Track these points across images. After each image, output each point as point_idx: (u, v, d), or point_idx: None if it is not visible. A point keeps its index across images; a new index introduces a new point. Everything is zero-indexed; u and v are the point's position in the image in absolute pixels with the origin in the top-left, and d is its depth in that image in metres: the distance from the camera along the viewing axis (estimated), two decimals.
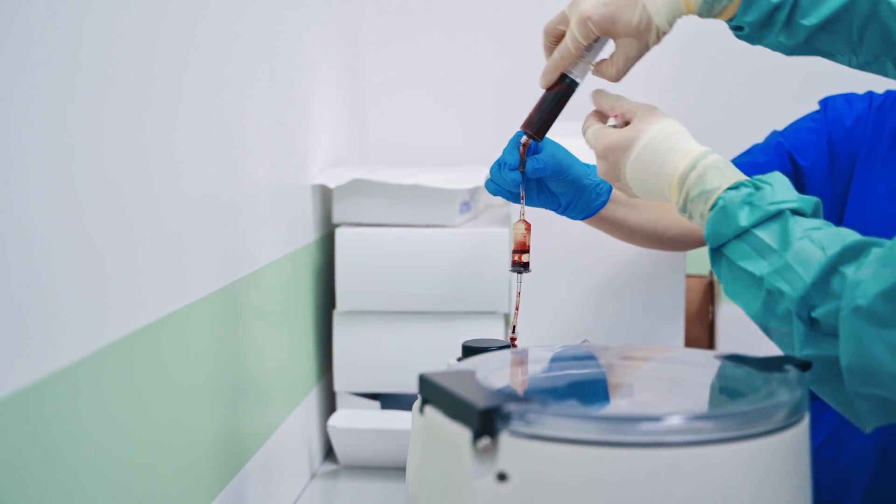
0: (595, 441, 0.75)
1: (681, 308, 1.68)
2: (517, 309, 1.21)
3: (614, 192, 1.30)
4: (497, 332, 1.74)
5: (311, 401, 1.70)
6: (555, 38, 1.16)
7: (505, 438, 0.77)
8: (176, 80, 1.09)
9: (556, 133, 1.23)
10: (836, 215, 1.37)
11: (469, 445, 0.78)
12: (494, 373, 0.94)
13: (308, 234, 1.69)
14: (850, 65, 1.13)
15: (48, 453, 0.83)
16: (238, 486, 1.28)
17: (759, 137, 1.48)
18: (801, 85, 1.70)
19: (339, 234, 1.75)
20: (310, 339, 1.70)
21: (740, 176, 0.98)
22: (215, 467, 1.21)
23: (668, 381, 0.94)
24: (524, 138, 1.19)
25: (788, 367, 0.89)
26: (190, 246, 1.14)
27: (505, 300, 1.74)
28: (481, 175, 1.80)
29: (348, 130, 2.07)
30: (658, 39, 1.12)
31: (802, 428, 0.81)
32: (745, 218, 0.94)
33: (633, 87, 2.08)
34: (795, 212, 0.93)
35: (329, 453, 1.80)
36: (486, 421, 0.77)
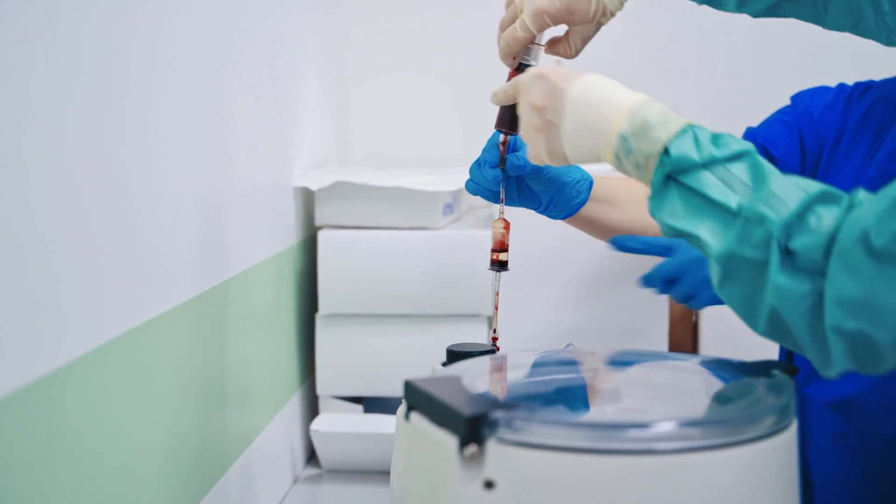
0: (583, 448, 0.75)
1: (664, 309, 1.68)
2: (496, 308, 1.21)
3: (594, 190, 1.30)
4: (480, 335, 1.74)
5: (294, 404, 1.69)
6: None
7: (492, 446, 0.77)
8: (159, 82, 1.08)
9: None
10: None
11: (456, 453, 0.77)
12: (480, 378, 0.93)
13: (290, 237, 1.68)
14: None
15: (30, 459, 0.82)
16: (221, 491, 1.27)
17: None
18: (800, 77, 1.70)
19: (322, 236, 1.74)
20: (292, 342, 1.69)
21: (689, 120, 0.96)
22: (198, 472, 1.20)
23: (655, 387, 0.93)
24: (502, 136, 1.20)
25: (775, 371, 0.89)
26: (173, 249, 1.13)
27: (488, 303, 1.74)
28: (464, 177, 1.78)
29: (330, 132, 2.06)
30: (611, 18, 1.13)
31: (791, 433, 0.81)
32: (715, 150, 0.90)
33: (633, 77, 2.08)
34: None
35: (311, 457, 1.79)
36: (472, 428, 0.77)
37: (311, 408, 1.81)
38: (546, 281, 1.63)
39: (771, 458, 0.78)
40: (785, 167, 1.38)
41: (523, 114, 1.05)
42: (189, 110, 1.18)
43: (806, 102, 1.44)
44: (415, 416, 0.85)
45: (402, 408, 1.15)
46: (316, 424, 1.68)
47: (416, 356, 1.73)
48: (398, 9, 2.27)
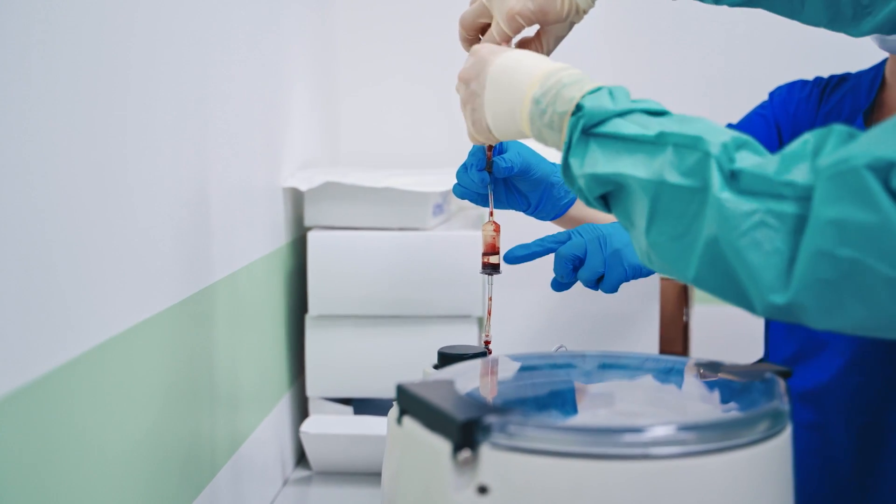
0: (578, 454, 0.74)
1: (655, 311, 1.68)
2: (489, 313, 1.21)
3: None
4: (471, 336, 1.73)
5: (283, 406, 1.68)
6: (474, 31, 1.16)
7: (485, 451, 0.76)
8: (144, 84, 1.07)
9: None
10: None
11: (449, 458, 0.77)
12: (473, 382, 0.93)
13: (279, 238, 1.67)
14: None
15: (14, 466, 0.81)
16: (210, 494, 1.26)
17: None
18: (803, 65, 1.70)
19: (311, 237, 1.73)
20: (282, 343, 1.68)
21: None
22: (187, 476, 1.19)
23: (649, 390, 0.93)
24: None
25: (769, 374, 0.88)
26: (161, 252, 1.12)
27: (478, 304, 1.73)
28: (453, 177, 1.78)
29: (319, 132, 2.05)
30: (583, 16, 1.12)
31: (786, 437, 0.80)
32: (633, 104, 0.87)
33: (631, 69, 2.06)
34: None
35: (301, 459, 1.78)
36: (466, 433, 0.76)
37: (301, 409, 1.80)
38: (535, 282, 1.63)
39: (767, 462, 0.78)
40: None
41: (457, 88, 1.07)
42: (176, 111, 1.17)
43: (783, 97, 1.47)
44: (407, 420, 0.84)
45: (394, 411, 1.14)
46: (306, 426, 1.67)
47: (407, 357, 1.72)
48: (386, 13, 2.26)
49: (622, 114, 0.86)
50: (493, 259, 1.22)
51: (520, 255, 1.24)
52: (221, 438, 1.33)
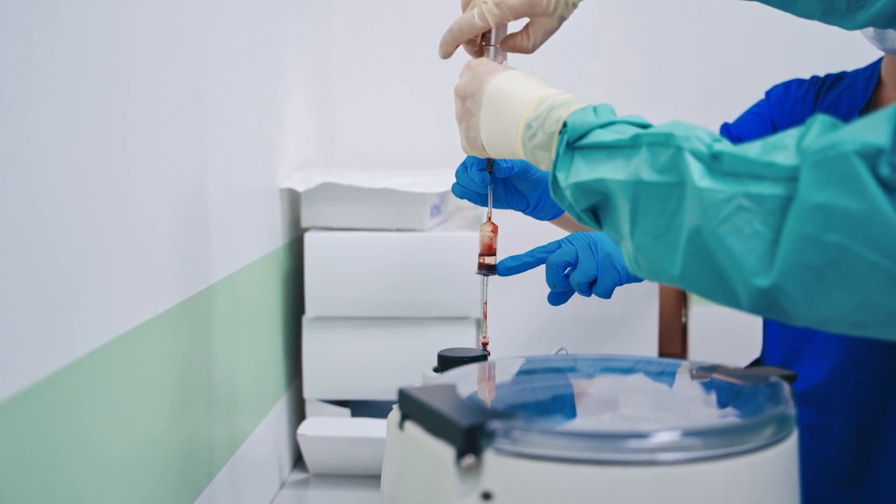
0: (583, 459, 0.73)
1: (654, 312, 1.68)
2: (485, 313, 1.20)
3: None
4: (469, 338, 1.72)
5: (280, 408, 1.68)
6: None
7: (489, 457, 0.75)
8: (147, 85, 1.06)
9: None
10: None
11: (452, 464, 0.76)
12: (475, 386, 0.92)
13: (276, 239, 1.66)
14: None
15: (18, 466, 0.80)
16: (209, 497, 1.26)
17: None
18: (800, 64, 1.70)
19: (308, 238, 1.72)
20: (278, 345, 1.68)
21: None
22: (185, 479, 1.18)
23: (653, 394, 0.92)
24: None
25: (774, 378, 0.87)
26: (159, 254, 1.11)
27: (476, 305, 1.72)
28: (450, 178, 1.77)
29: (315, 133, 2.04)
30: (573, 10, 1.11)
31: (792, 442, 0.79)
32: (615, 117, 0.89)
33: (628, 68, 2.08)
34: None
35: (298, 461, 1.77)
36: (470, 439, 0.75)
37: (298, 411, 1.79)
38: (532, 283, 1.62)
39: (774, 468, 0.77)
40: None
41: (455, 102, 1.08)
42: (174, 113, 1.16)
43: (779, 96, 1.46)
44: (409, 425, 0.83)
45: (394, 414, 1.13)
46: (303, 428, 1.66)
47: (404, 359, 1.72)
48: (381, 16, 2.25)
49: (604, 125, 0.88)
50: (489, 260, 1.22)
51: (511, 266, 1.24)
52: (220, 440, 1.32)
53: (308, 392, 1.74)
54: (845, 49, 1.59)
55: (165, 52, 1.12)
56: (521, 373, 0.99)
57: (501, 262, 1.23)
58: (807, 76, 1.48)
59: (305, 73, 1.95)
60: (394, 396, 1.73)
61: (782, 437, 0.78)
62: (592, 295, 1.22)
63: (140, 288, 1.05)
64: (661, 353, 1.82)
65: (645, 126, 0.87)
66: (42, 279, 0.84)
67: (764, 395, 0.84)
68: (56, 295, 0.86)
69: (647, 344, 1.67)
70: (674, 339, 1.91)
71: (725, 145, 0.79)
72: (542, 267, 1.22)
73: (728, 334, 1.88)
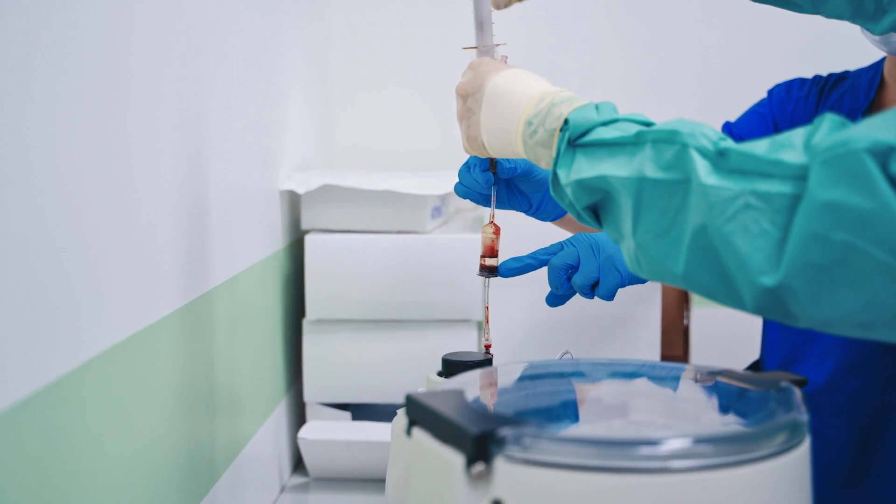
0: (595, 467, 0.72)
1: (656, 314, 1.67)
2: (487, 315, 1.19)
3: None
4: (470, 341, 1.71)
5: (281, 412, 1.67)
6: None
7: (500, 464, 0.74)
8: (147, 87, 1.05)
9: None
10: None
11: (462, 471, 0.75)
12: (483, 392, 0.91)
13: (276, 242, 1.65)
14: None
15: (21, 472, 0.79)
16: (210, 502, 1.25)
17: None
18: (800, 63, 1.69)
19: (309, 240, 1.71)
20: (279, 348, 1.67)
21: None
22: (187, 485, 1.17)
23: (663, 400, 0.91)
24: None
25: (784, 383, 0.87)
26: (161, 258, 1.10)
27: (478, 308, 1.71)
28: (450, 180, 1.77)
29: (315, 135, 2.03)
30: None
31: (805, 448, 0.79)
32: (618, 115, 0.88)
33: (628, 67, 2.07)
34: None
35: (298, 465, 1.76)
36: (480, 446, 0.74)
37: (298, 415, 1.78)
38: (533, 285, 1.61)
39: (787, 475, 0.76)
40: None
41: (456, 101, 1.08)
42: (174, 115, 1.15)
43: (781, 95, 1.45)
44: (417, 431, 0.82)
45: (400, 420, 1.12)
46: (304, 432, 1.65)
47: (406, 362, 1.71)
48: (381, 18, 2.25)
49: (606, 123, 0.87)
50: (490, 262, 1.21)
51: (513, 268, 1.23)
52: (221, 444, 1.31)
53: (308, 395, 1.73)
54: (845, 48, 1.58)
55: (165, 55, 1.11)
56: (528, 378, 0.98)
57: (503, 263, 1.22)
58: (807, 74, 1.47)
59: (305, 74, 1.94)
60: (395, 399, 1.72)
61: (795, 443, 0.78)
62: (595, 297, 1.21)
63: (142, 292, 1.04)
64: (663, 356, 1.81)
65: (647, 124, 0.87)
66: (45, 285, 0.83)
67: (775, 400, 0.83)
68: (59, 301, 0.85)
69: (648, 346, 1.66)
70: (675, 342, 1.90)
71: (731, 143, 0.79)
72: (544, 268, 1.22)
73: (729, 336, 1.87)
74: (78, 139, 0.88)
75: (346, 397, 1.74)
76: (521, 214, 1.30)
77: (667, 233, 0.79)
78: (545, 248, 1.24)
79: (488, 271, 1.21)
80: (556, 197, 0.90)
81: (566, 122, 0.90)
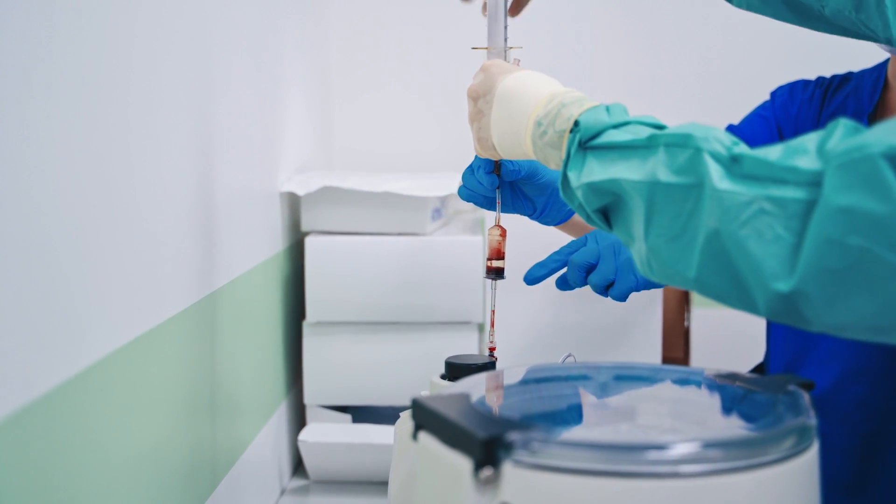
0: (605, 471, 0.72)
1: (657, 316, 1.66)
2: (493, 318, 1.19)
3: None
4: (471, 343, 1.71)
5: (281, 414, 1.66)
6: None
7: (508, 469, 0.74)
8: (148, 90, 1.05)
9: None
10: None
11: (470, 476, 0.74)
12: (489, 396, 0.90)
13: (277, 244, 1.65)
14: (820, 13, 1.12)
15: (19, 480, 0.78)
16: None
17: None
18: (801, 64, 1.69)
19: (309, 242, 1.70)
20: (279, 351, 1.66)
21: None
22: (191, 487, 1.17)
23: (670, 403, 0.90)
24: None
25: (793, 387, 0.86)
26: (162, 261, 1.09)
27: (479, 310, 1.71)
28: (449, 181, 1.76)
29: (314, 137, 2.03)
30: None
31: (814, 452, 0.78)
32: (629, 117, 0.88)
33: (629, 69, 2.07)
34: None
35: (298, 467, 1.76)
36: (488, 451, 0.74)
37: (298, 417, 1.78)
38: (535, 289, 1.61)
39: (796, 479, 0.76)
40: None
41: (467, 103, 1.08)
42: (175, 117, 1.14)
43: (784, 98, 1.44)
44: (423, 435, 0.82)
45: (403, 423, 1.12)
46: (304, 435, 1.65)
47: (406, 365, 1.70)
48: (380, 20, 2.24)
49: (617, 125, 0.87)
50: (497, 264, 1.20)
51: (540, 276, 1.23)
52: (223, 448, 1.30)
53: (308, 398, 1.73)
54: (847, 49, 1.57)
55: (166, 60, 1.11)
56: (533, 381, 0.97)
57: (529, 271, 1.22)
58: (810, 75, 1.47)
59: (304, 76, 1.93)
60: (395, 402, 1.72)
61: (804, 447, 0.77)
62: (608, 297, 1.21)
63: (144, 296, 1.03)
64: (664, 358, 1.81)
65: (659, 127, 0.86)
66: (47, 290, 0.82)
67: (783, 404, 0.82)
68: (60, 306, 0.85)
69: (650, 349, 1.66)
70: (676, 344, 1.90)
71: (744, 148, 0.78)
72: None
73: (730, 338, 1.87)
74: (78, 141, 0.88)
75: (347, 400, 1.73)
76: (526, 218, 1.29)
77: (679, 237, 0.79)
78: (567, 246, 1.25)
79: (495, 273, 1.20)
80: (565, 199, 0.90)
81: (577, 123, 0.90)
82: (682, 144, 0.80)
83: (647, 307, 1.64)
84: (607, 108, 0.89)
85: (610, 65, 2.15)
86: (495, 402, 0.89)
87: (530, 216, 1.28)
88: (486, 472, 0.74)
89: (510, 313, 1.67)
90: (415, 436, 0.83)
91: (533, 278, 1.23)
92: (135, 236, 1.01)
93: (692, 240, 0.78)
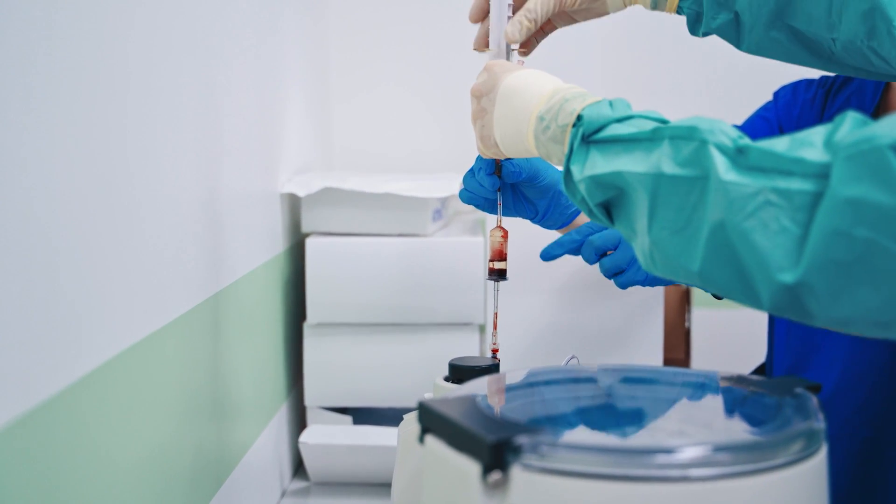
0: (615, 475, 0.71)
1: (659, 316, 1.66)
2: (496, 321, 1.18)
3: None
4: (472, 344, 1.70)
5: (281, 416, 1.65)
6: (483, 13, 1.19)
7: (516, 473, 0.73)
8: (147, 91, 1.04)
9: None
10: None
11: (478, 480, 0.74)
12: (492, 398, 0.90)
13: (277, 245, 1.64)
14: (829, 51, 1.12)
15: (21, 487, 0.78)
16: None
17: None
18: (800, 68, 1.69)
19: (310, 243, 1.70)
20: (280, 352, 1.65)
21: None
22: (190, 494, 1.16)
23: (679, 406, 0.90)
24: None
25: (800, 390, 0.86)
26: (163, 264, 1.08)
27: (480, 311, 1.70)
28: (453, 182, 1.76)
29: (313, 138, 2.02)
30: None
31: (822, 456, 0.78)
32: (632, 111, 0.88)
33: (631, 69, 2.06)
34: None
35: (298, 469, 1.75)
36: (496, 454, 0.73)
37: (299, 419, 1.77)
38: (536, 289, 1.60)
39: (804, 483, 0.76)
40: None
41: (471, 102, 1.08)
42: (174, 118, 1.14)
43: (787, 98, 1.44)
44: (430, 439, 0.81)
45: (407, 425, 1.11)
46: (305, 436, 1.64)
47: (407, 366, 1.70)
48: (378, 20, 2.24)
49: (620, 119, 0.87)
50: (499, 265, 1.20)
51: (556, 255, 1.28)
52: (224, 450, 1.30)
53: (309, 399, 1.72)
54: None
55: (164, 61, 1.10)
56: (539, 384, 0.97)
57: (546, 250, 1.26)
58: (811, 75, 1.47)
59: (303, 76, 1.93)
60: (396, 403, 1.71)
61: (813, 451, 0.77)
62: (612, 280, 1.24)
63: (144, 300, 1.03)
64: (665, 359, 1.80)
65: (663, 121, 0.86)
66: (46, 295, 0.82)
67: (791, 407, 0.82)
68: (60, 311, 0.84)
69: (651, 349, 1.65)
70: (677, 345, 1.89)
71: (750, 140, 0.78)
72: (546, 268, 1.21)
73: (731, 339, 1.87)
74: (77, 144, 0.87)
75: (347, 401, 1.73)
76: (528, 222, 1.29)
77: (683, 230, 0.79)
78: (587, 225, 1.27)
79: (497, 275, 1.20)
80: (567, 193, 0.90)
81: (579, 118, 0.89)
82: (688, 137, 0.79)
83: (649, 308, 1.63)
84: (610, 103, 0.89)
85: (611, 65, 2.15)
86: (502, 405, 0.89)
87: (532, 220, 1.28)
88: (495, 475, 0.74)
89: (511, 315, 1.66)
90: (421, 439, 0.83)
91: (550, 256, 1.24)
92: (135, 240, 1.00)
93: (696, 232, 0.78)
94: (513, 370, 0.98)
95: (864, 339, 1.20)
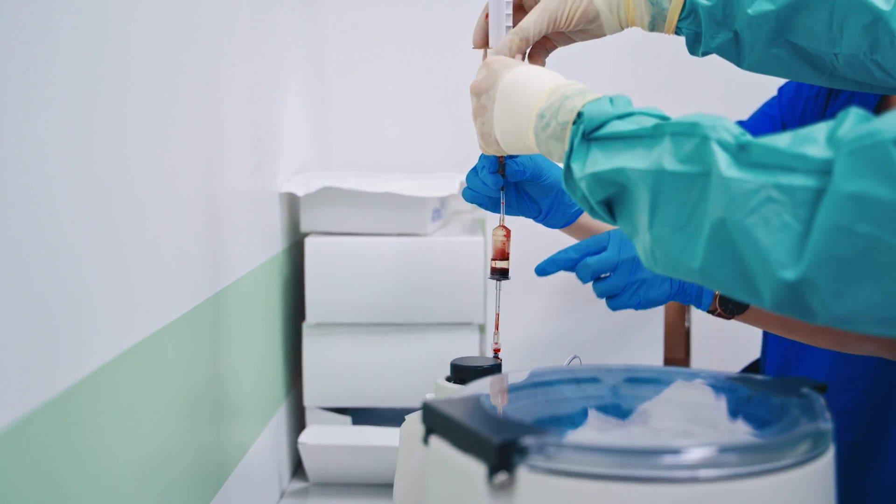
0: (622, 476, 0.71)
1: (659, 317, 1.66)
2: (497, 320, 1.18)
3: None
4: (472, 344, 1.70)
5: (281, 417, 1.65)
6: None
7: (523, 474, 0.73)
8: (146, 91, 1.03)
9: None
10: None
11: (484, 481, 0.73)
12: (496, 399, 0.89)
13: (276, 245, 1.64)
14: (832, 66, 1.11)
15: (21, 490, 0.77)
16: None
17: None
18: None
19: (309, 243, 1.69)
20: (279, 353, 1.65)
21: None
22: (191, 495, 1.16)
23: (684, 407, 0.89)
24: None
25: (806, 390, 0.85)
26: (163, 265, 1.08)
27: (480, 311, 1.70)
28: (452, 182, 1.75)
29: (312, 137, 2.02)
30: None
31: (829, 457, 0.77)
32: (633, 108, 0.88)
33: (631, 68, 2.04)
34: None
35: (297, 470, 1.74)
36: (502, 455, 0.73)
37: (298, 419, 1.77)
38: (536, 289, 1.60)
39: (812, 485, 0.75)
40: None
41: (471, 100, 1.07)
42: (174, 118, 1.13)
43: (791, 95, 1.44)
44: (435, 440, 0.81)
45: (409, 425, 1.11)
46: (304, 437, 1.63)
47: (406, 366, 1.69)
48: (377, 19, 2.23)
49: (621, 116, 0.86)
50: (501, 264, 1.19)
51: (550, 272, 1.20)
52: (224, 451, 1.29)
53: (308, 400, 1.72)
54: None
55: (163, 61, 1.10)
56: (542, 384, 0.96)
57: (540, 267, 1.20)
58: None
59: (302, 76, 1.92)
60: (395, 404, 1.71)
61: (820, 451, 0.76)
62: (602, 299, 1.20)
63: (144, 300, 1.02)
64: (665, 359, 1.80)
65: (664, 118, 0.85)
66: (47, 297, 0.81)
67: (798, 407, 0.82)
68: (61, 312, 0.84)
69: (651, 349, 1.65)
70: (677, 345, 1.89)
71: (751, 137, 0.77)
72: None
73: (731, 339, 1.86)
74: (76, 143, 0.87)
75: (346, 401, 1.72)
76: (529, 221, 1.28)
77: (685, 226, 0.78)
78: (586, 244, 1.22)
79: (500, 274, 1.19)
80: (568, 191, 0.89)
81: (580, 115, 0.89)
82: (689, 133, 0.79)
83: (650, 309, 1.63)
84: (611, 100, 0.89)
85: (610, 66, 2.14)
86: (506, 406, 0.88)
87: (535, 218, 1.27)
88: (501, 477, 0.73)
89: (513, 314, 1.66)
90: (426, 440, 0.82)
91: (545, 273, 1.22)
92: (134, 240, 0.99)
93: (698, 229, 0.77)
94: (515, 370, 0.98)
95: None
